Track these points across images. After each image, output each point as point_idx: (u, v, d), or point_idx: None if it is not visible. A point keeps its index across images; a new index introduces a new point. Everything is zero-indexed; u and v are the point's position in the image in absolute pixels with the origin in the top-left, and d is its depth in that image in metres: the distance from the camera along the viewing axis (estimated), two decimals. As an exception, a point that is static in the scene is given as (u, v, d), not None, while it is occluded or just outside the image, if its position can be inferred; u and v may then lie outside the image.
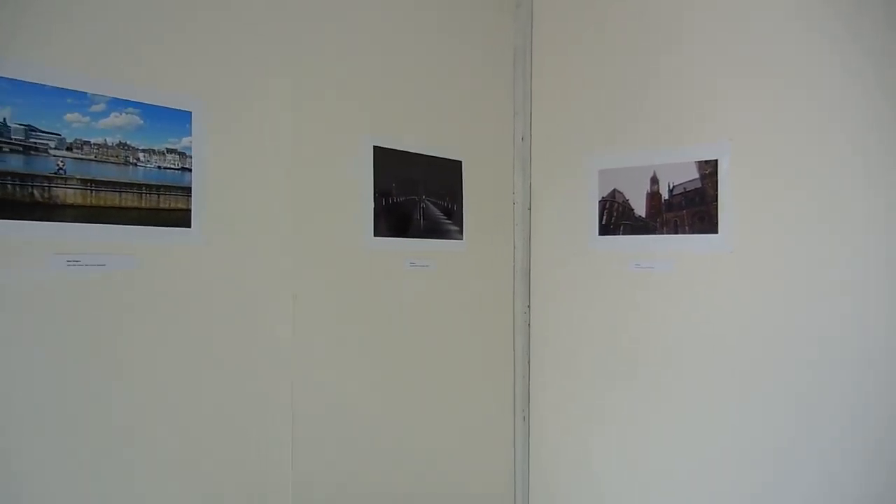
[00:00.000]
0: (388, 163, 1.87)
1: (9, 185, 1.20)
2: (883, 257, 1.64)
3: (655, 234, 2.01)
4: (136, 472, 1.37)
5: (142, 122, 1.37)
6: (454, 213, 2.08)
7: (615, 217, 2.10)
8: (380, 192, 1.85)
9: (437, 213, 2.03)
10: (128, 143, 1.35)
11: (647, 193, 2.03)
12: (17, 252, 1.22)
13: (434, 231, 2.01)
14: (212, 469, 1.49)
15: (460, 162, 2.10)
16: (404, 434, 1.93)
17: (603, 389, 2.11)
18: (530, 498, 2.28)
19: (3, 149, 1.19)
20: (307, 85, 1.68)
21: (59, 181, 1.26)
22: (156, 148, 1.39)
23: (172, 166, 1.42)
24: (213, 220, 1.49)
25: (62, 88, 1.26)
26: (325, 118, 1.73)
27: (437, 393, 2.03)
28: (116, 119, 1.33)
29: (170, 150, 1.41)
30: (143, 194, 1.37)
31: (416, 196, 1.96)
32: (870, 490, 1.67)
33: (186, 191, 1.44)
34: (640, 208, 2.05)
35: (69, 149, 1.27)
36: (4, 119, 1.19)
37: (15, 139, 1.21)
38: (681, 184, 1.96)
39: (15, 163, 1.20)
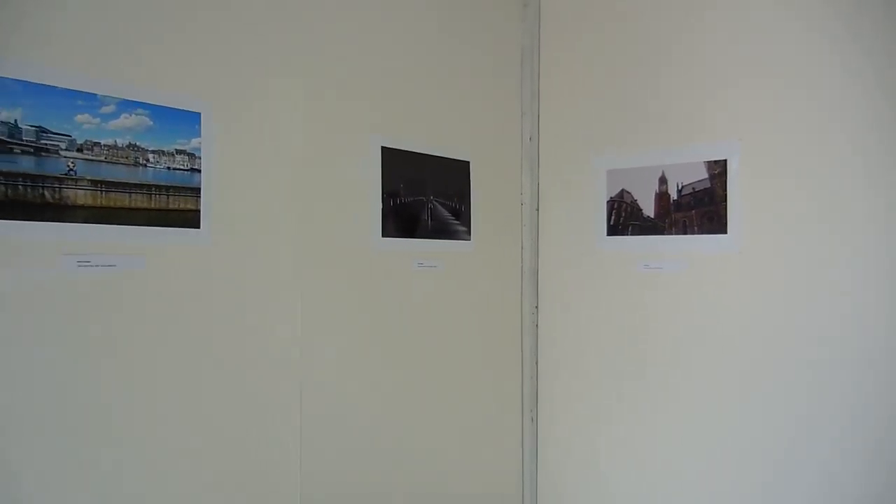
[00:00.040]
0: (396, 163, 1.87)
1: (20, 186, 1.21)
2: (894, 257, 1.63)
3: (664, 234, 2.01)
4: (142, 471, 1.37)
5: (151, 123, 1.38)
6: (462, 214, 2.08)
7: (623, 217, 2.10)
8: (388, 193, 1.85)
9: (445, 213, 2.02)
10: (137, 144, 1.36)
11: (656, 193, 2.02)
12: (28, 253, 1.22)
13: (442, 231, 2.01)
14: (219, 468, 1.50)
15: (468, 162, 2.10)
16: (412, 434, 1.93)
17: (611, 390, 2.11)
18: (538, 498, 2.28)
19: (15, 150, 1.20)
20: (315, 86, 1.68)
21: (69, 182, 1.27)
22: (165, 149, 1.40)
23: (181, 167, 1.42)
24: (221, 221, 1.49)
25: (72, 90, 1.27)
26: (334, 119, 1.73)
27: (446, 393, 2.02)
28: (126, 120, 1.34)
29: (179, 151, 1.42)
30: (153, 195, 1.38)
31: (423, 196, 1.96)
32: (870, 490, 1.66)
33: (195, 191, 1.45)
34: (648, 208, 2.04)
35: (79, 150, 1.28)
36: (16, 120, 1.20)
37: (26, 140, 1.21)
38: (689, 184, 1.95)
39: (26, 164, 1.21)
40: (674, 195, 1.99)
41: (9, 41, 1.20)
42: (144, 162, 1.36)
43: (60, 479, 1.26)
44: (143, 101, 1.36)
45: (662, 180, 2.01)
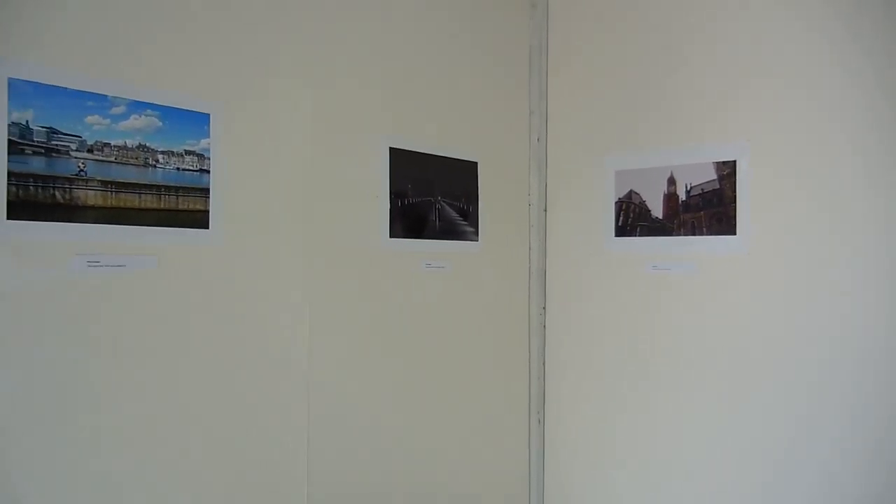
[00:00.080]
0: (404, 164, 1.87)
1: (31, 187, 1.22)
2: (905, 259, 1.63)
3: (673, 235, 2.00)
4: (151, 471, 1.38)
5: (161, 123, 1.38)
6: (470, 214, 2.08)
7: (632, 218, 2.09)
8: (395, 194, 1.85)
9: (453, 214, 2.02)
10: (147, 144, 1.36)
11: (665, 194, 2.02)
12: (39, 253, 1.23)
13: (450, 232, 2.01)
14: (227, 468, 1.50)
15: (476, 163, 2.10)
16: (419, 434, 1.93)
17: (618, 391, 2.10)
18: (545, 499, 2.28)
19: (26, 151, 1.21)
20: (323, 87, 1.69)
21: (80, 183, 1.27)
22: (174, 150, 1.40)
23: (191, 168, 1.43)
24: (230, 221, 1.50)
25: (83, 91, 1.28)
26: (342, 119, 1.73)
27: (453, 394, 2.02)
28: (136, 121, 1.35)
29: (188, 152, 1.43)
30: (162, 196, 1.39)
31: (431, 197, 1.96)
32: (870, 490, 1.66)
33: (205, 192, 1.45)
34: (657, 209, 2.03)
35: (90, 151, 1.29)
36: (27, 122, 1.21)
37: (37, 141, 1.22)
38: (698, 185, 1.94)
39: (37, 164, 1.22)
40: (682, 196, 1.98)
41: (20, 43, 1.21)
42: (154, 163, 1.37)
43: (64, 479, 1.27)
44: (153, 102, 1.37)
45: (671, 181, 2.00)
